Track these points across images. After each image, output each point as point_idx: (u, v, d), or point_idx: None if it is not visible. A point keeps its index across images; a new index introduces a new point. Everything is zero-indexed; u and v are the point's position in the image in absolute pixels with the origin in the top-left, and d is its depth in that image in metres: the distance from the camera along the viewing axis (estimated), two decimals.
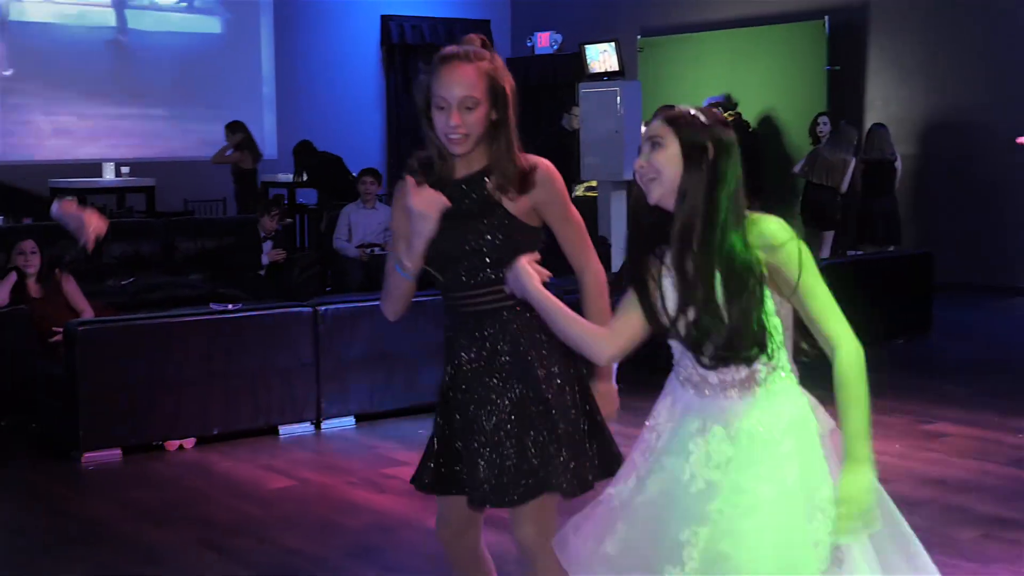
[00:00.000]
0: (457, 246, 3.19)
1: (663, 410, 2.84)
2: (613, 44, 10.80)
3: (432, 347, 7.32)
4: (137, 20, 14.18)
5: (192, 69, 14.35)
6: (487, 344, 3.22)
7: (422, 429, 6.96)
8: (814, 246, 11.33)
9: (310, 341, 6.96)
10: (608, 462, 3.21)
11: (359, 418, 7.15)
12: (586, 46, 11.00)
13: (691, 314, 2.66)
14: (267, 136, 14.80)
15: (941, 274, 10.15)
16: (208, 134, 14.29)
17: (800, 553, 2.56)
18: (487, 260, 3.17)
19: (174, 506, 5.69)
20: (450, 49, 3.18)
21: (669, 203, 2.68)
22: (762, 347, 2.64)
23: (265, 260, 9.72)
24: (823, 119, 11.92)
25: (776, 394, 2.70)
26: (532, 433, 3.17)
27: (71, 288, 7.65)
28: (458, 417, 3.30)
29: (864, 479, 2.59)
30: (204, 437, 6.71)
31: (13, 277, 7.47)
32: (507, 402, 3.21)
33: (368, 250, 10.41)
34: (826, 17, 12.86)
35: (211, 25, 14.74)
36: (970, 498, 5.50)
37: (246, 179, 12.86)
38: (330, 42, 15.36)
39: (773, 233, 2.64)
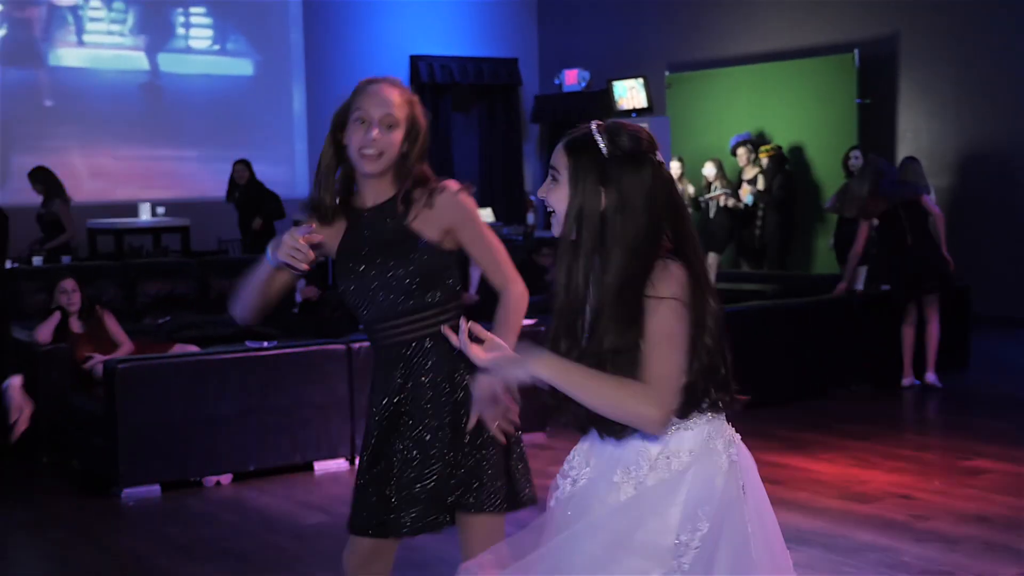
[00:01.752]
0: (378, 277, 3.19)
1: (578, 455, 2.65)
2: (641, 80, 10.85)
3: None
4: (170, 64, 14.38)
5: (225, 111, 14.53)
6: (411, 375, 3.20)
7: None
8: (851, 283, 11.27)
9: (344, 378, 6.99)
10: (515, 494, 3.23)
11: None
12: (614, 82, 11.05)
13: None
14: (298, 175, 14.94)
15: (978, 307, 10.10)
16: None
17: None
18: (408, 289, 3.18)
19: (211, 542, 5.72)
20: (373, 77, 3.26)
21: None
22: None
23: (299, 298, 9.78)
24: (855, 153, 11.86)
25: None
26: (459, 458, 3.17)
27: (112, 323, 7.78)
28: (383, 453, 3.28)
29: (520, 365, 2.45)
30: (240, 473, 6.74)
31: (57, 317, 7.57)
32: (429, 432, 3.19)
33: None
34: (856, 50, 12.87)
35: (243, 68, 14.92)
36: (1011, 535, 5.43)
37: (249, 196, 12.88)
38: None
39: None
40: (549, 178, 2.52)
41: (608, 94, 11.27)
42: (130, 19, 14.17)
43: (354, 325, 10.20)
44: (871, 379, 8.81)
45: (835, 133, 12.84)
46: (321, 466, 6.95)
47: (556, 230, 2.51)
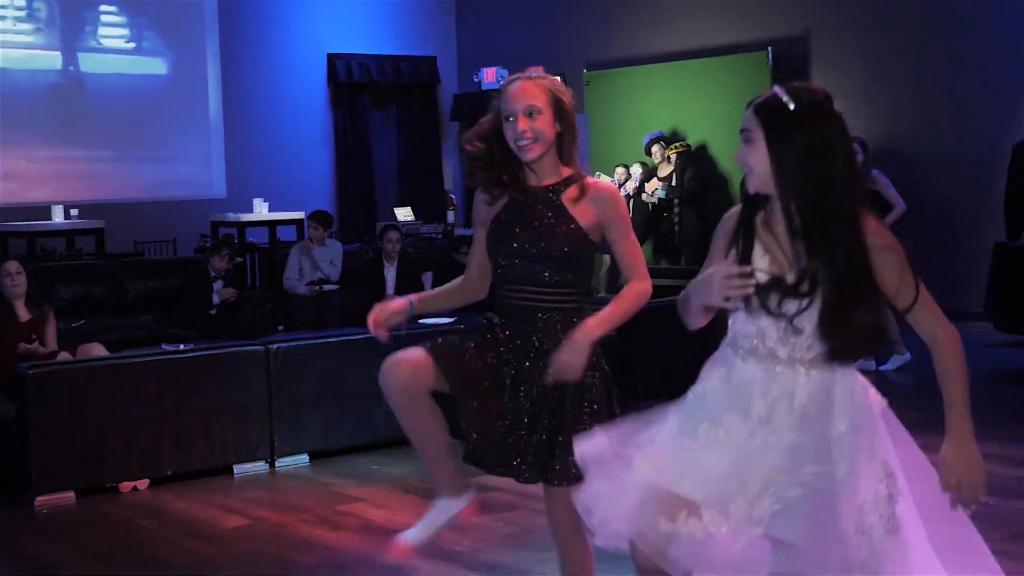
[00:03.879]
0: (530, 246, 3.45)
1: (714, 379, 2.91)
2: (559, 78, 10.88)
3: None
4: (83, 63, 14.15)
5: (139, 111, 14.32)
6: (531, 337, 3.46)
7: (375, 465, 7.00)
8: None
9: (263, 380, 6.96)
10: None
11: (313, 455, 7.15)
12: None
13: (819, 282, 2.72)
14: (216, 176, 14.80)
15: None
16: (157, 175, 14.29)
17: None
18: (552, 264, 3.44)
19: (128, 548, 5.67)
20: (514, 75, 3.57)
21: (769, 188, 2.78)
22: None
23: (216, 300, 9.71)
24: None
25: (843, 373, 2.80)
26: (564, 422, 3.39)
27: (52, 328, 7.61)
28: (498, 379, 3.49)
29: (969, 451, 2.74)
30: (158, 478, 6.68)
31: None
32: (537, 389, 3.42)
33: (318, 287, 10.42)
34: (769, 48, 13.05)
35: (157, 67, 14.72)
36: None
37: None
38: (277, 81, 15.38)
39: (877, 231, 2.75)
40: (743, 140, 2.78)
41: None
42: (42, 17, 13.93)
43: (272, 326, 10.16)
44: None
45: None
46: (240, 469, 6.92)
47: (754, 185, 2.77)
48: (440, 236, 13.33)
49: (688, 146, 13.21)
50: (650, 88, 14.01)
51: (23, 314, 7.49)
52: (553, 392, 3.40)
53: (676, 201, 13.10)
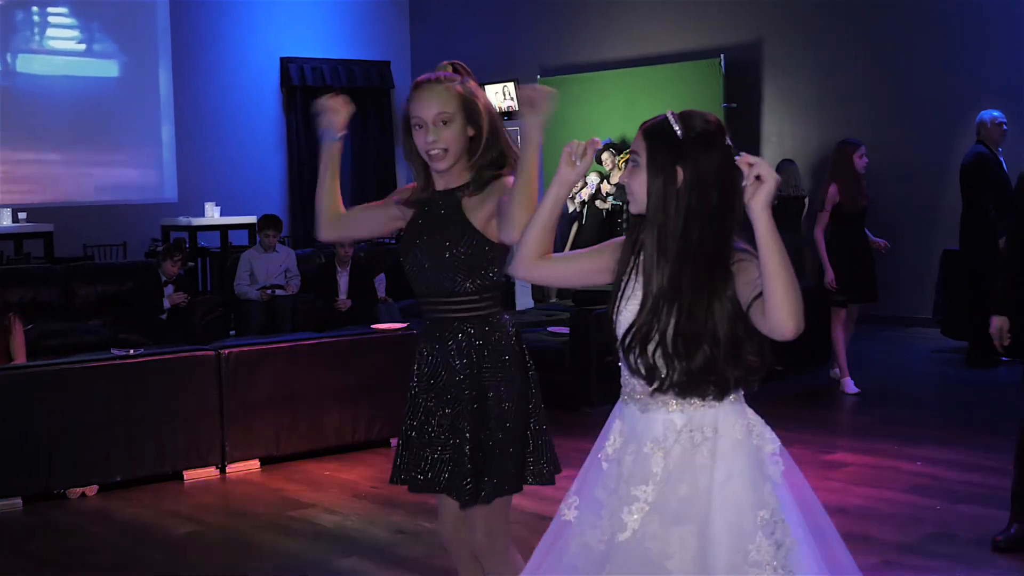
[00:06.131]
0: (433, 255, 3.38)
1: (615, 435, 2.82)
2: (512, 84, 10.91)
3: (336, 389, 7.33)
4: (32, 65, 14.00)
5: (89, 113, 14.20)
6: (449, 351, 3.39)
7: (327, 471, 6.97)
8: None
9: (213, 385, 6.91)
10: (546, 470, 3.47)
11: (264, 461, 7.10)
12: (486, 86, 11.10)
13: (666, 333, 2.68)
14: (167, 180, 14.69)
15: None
16: (107, 178, 14.18)
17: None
18: (454, 274, 3.37)
19: (77, 555, 5.60)
20: (423, 76, 3.43)
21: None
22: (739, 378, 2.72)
23: (167, 304, 9.64)
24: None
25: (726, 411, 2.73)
26: (480, 437, 3.35)
27: (19, 335, 7.49)
28: (420, 418, 3.48)
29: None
30: (107, 484, 6.61)
31: None
32: (456, 409, 3.38)
33: (269, 291, 10.37)
34: (722, 56, 13.13)
35: (108, 69, 14.60)
36: (870, 526, 5.62)
37: None
38: (229, 84, 15.30)
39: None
40: (630, 163, 2.75)
41: None
42: None
43: (224, 331, 10.10)
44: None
45: None
46: (191, 475, 6.86)
47: (634, 208, 2.75)
48: (392, 240, 13.30)
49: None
50: (604, 94, 14.08)
51: None
52: (468, 413, 3.37)
53: (624, 207, 13.16)
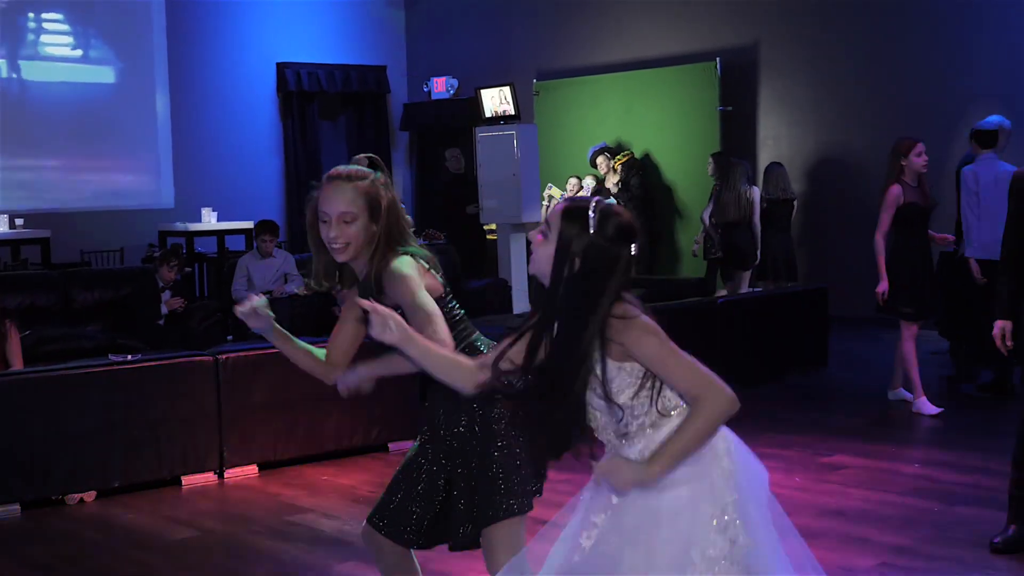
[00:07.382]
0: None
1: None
2: (509, 88, 10.90)
3: (334, 394, 7.29)
4: (29, 71, 13.99)
5: (86, 119, 14.19)
6: (442, 419, 3.60)
7: (325, 476, 6.97)
8: (737, 287, 11.45)
9: (212, 389, 6.91)
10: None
11: (262, 466, 7.10)
12: (482, 91, 11.09)
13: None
14: (164, 185, 14.68)
15: (835, 308, 10.38)
16: (104, 184, 14.16)
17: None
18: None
19: (75, 561, 5.61)
20: (335, 170, 3.52)
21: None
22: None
23: (164, 310, 9.64)
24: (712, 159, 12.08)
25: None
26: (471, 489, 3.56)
27: (16, 342, 7.48)
28: (422, 476, 3.64)
29: (637, 471, 2.77)
30: (105, 490, 6.62)
31: None
32: (449, 472, 3.59)
33: (266, 296, 10.35)
34: (717, 59, 13.14)
35: (105, 75, 14.59)
36: (868, 528, 5.62)
37: None
38: (226, 90, 15.29)
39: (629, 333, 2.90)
40: (542, 228, 2.87)
41: (476, 102, 11.28)
42: None
43: (222, 336, 10.09)
44: (736, 380, 8.97)
45: (698, 140, 13.10)
46: (189, 480, 6.86)
47: (532, 270, 2.89)
48: None
49: (631, 154, 13.29)
50: (599, 98, 14.09)
51: None
52: (456, 469, 3.56)
53: (620, 204, 13.15)
